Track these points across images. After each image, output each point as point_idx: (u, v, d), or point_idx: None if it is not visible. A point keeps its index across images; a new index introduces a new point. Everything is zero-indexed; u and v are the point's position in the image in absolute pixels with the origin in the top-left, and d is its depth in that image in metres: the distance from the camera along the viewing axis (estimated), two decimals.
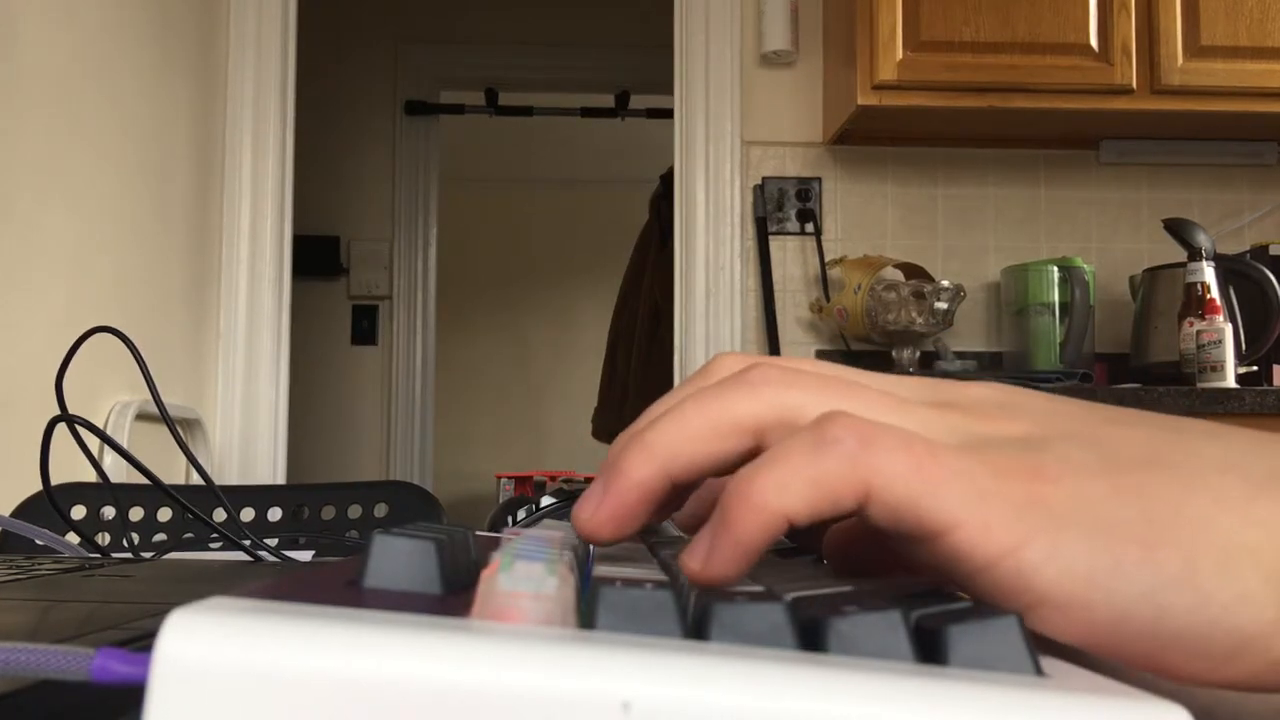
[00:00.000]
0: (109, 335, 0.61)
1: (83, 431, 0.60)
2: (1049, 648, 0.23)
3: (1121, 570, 0.21)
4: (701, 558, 0.22)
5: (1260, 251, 2.13)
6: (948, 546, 0.22)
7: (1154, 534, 0.21)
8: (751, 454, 0.25)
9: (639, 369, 3.27)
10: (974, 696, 0.16)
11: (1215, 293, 2.01)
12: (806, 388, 0.25)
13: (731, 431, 0.25)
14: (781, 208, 2.32)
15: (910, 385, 0.27)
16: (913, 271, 2.25)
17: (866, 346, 2.26)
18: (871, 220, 2.36)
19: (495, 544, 0.30)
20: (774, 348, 2.27)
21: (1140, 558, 0.21)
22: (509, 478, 3.58)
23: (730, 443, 0.25)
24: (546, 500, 0.85)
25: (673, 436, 0.25)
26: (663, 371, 2.97)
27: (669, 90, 2.40)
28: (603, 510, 0.25)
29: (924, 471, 0.22)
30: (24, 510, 1.01)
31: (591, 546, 0.36)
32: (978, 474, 0.22)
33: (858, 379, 0.27)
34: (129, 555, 0.61)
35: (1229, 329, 1.95)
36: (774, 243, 2.32)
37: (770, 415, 0.25)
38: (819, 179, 2.34)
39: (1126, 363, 2.24)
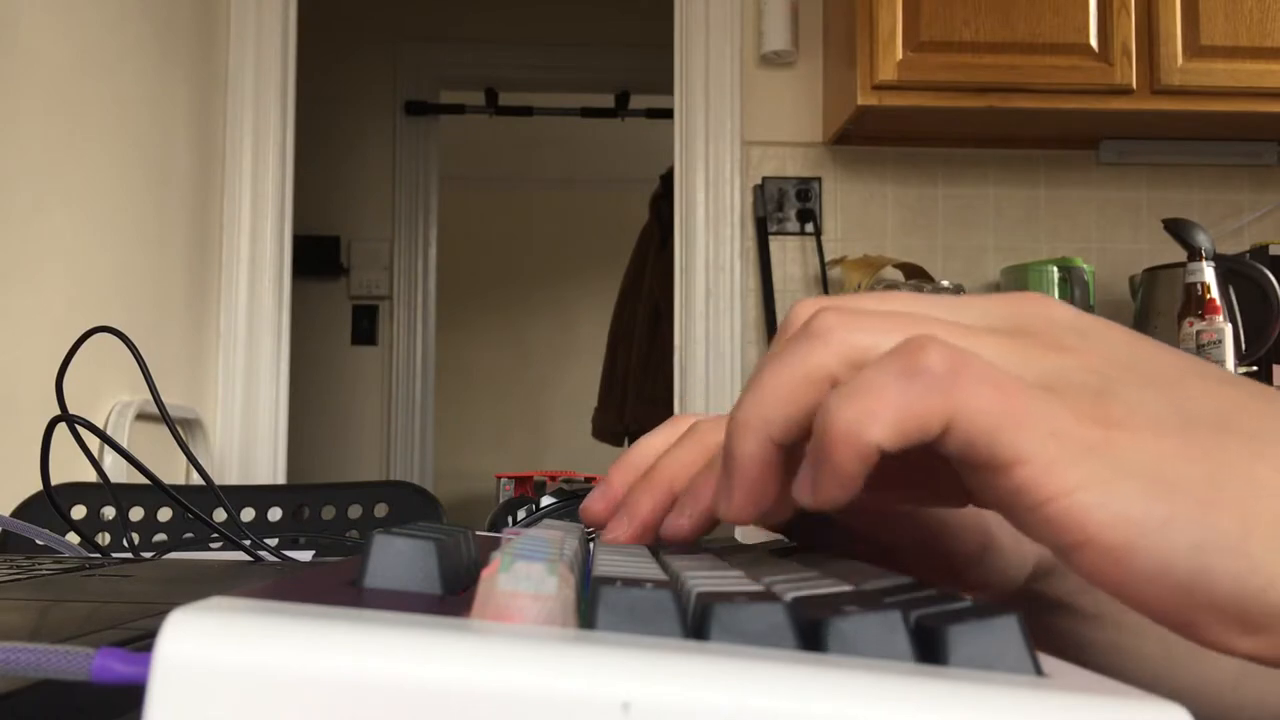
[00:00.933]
0: (109, 335, 0.61)
1: (83, 431, 0.60)
2: (1049, 647, 0.23)
3: (1174, 524, 0.21)
4: (808, 489, 0.24)
5: (1260, 251, 2.13)
6: (1010, 480, 0.22)
7: (1214, 495, 0.21)
8: None
9: (639, 369, 3.27)
10: (974, 696, 0.16)
11: (1215, 293, 2.01)
12: (872, 328, 0.25)
13: (807, 388, 0.25)
14: (781, 208, 2.32)
15: (984, 307, 0.27)
16: (913, 271, 2.25)
17: None
18: (871, 220, 2.36)
19: (495, 544, 0.30)
20: None
21: (1195, 515, 0.21)
22: (509, 478, 3.57)
23: (813, 394, 0.25)
24: (546, 500, 0.85)
25: (759, 406, 0.25)
26: (663, 372, 2.97)
27: (669, 90, 2.40)
28: (735, 495, 0.26)
29: (1007, 406, 0.22)
30: (24, 510, 1.01)
31: (591, 546, 0.36)
32: (1054, 414, 0.22)
33: (923, 310, 0.26)
34: (129, 555, 0.61)
35: (1229, 329, 1.95)
36: (774, 243, 2.32)
37: (840, 362, 0.25)
38: (819, 179, 2.34)
39: None
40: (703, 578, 0.24)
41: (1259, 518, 0.21)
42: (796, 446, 0.25)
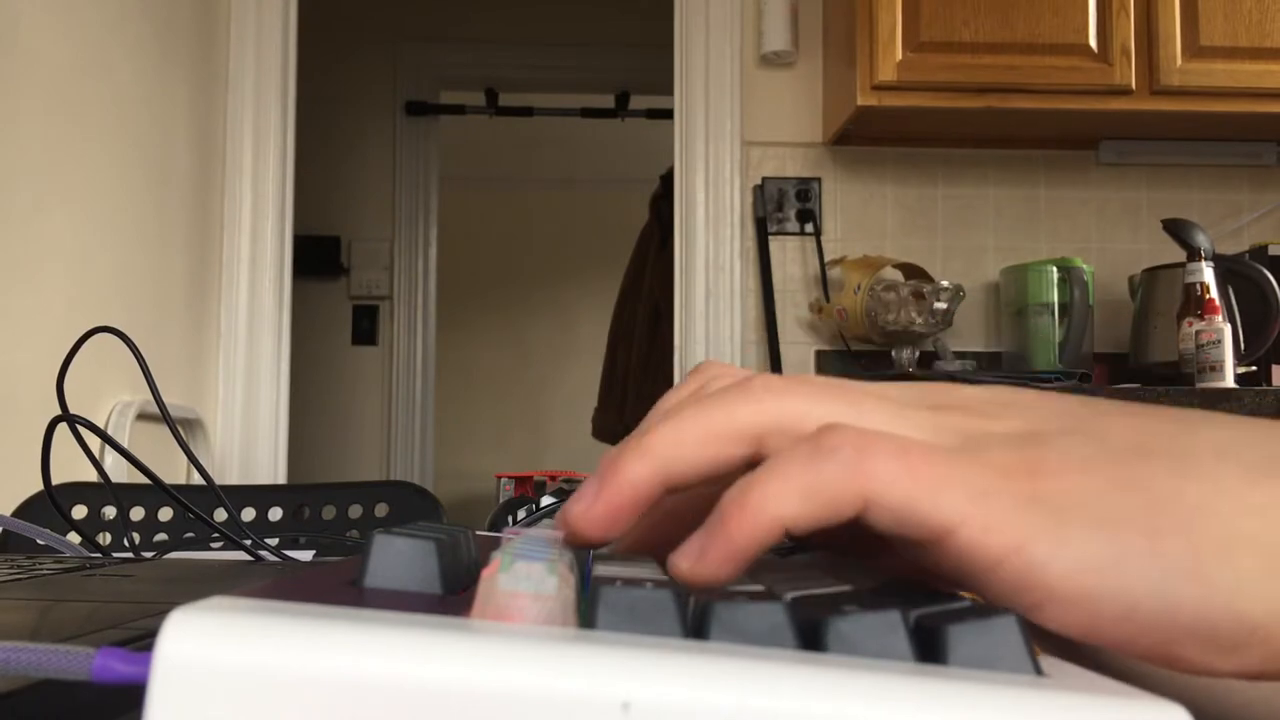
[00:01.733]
0: (110, 335, 0.61)
1: (84, 431, 0.60)
2: (1049, 648, 0.23)
3: (1128, 562, 0.21)
4: (693, 558, 0.23)
5: (1259, 252, 2.13)
6: (952, 548, 0.22)
7: (1155, 524, 0.21)
8: (749, 462, 0.25)
9: (639, 369, 3.27)
10: (974, 696, 0.16)
11: (1214, 293, 2.01)
12: (806, 395, 0.25)
13: (731, 438, 0.25)
14: (781, 208, 2.32)
15: (908, 390, 0.27)
16: (912, 272, 2.25)
17: (866, 347, 2.26)
18: (871, 220, 2.36)
19: (495, 544, 0.30)
20: (774, 348, 2.27)
21: (1145, 549, 0.21)
22: (509, 478, 3.57)
23: (729, 449, 0.25)
24: (546, 500, 0.85)
25: (672, 440, 0.25)
26: (663, 372, 2.97)
27: (669, 90, 2.40)
28: (595, 509, 0.25)
29: (920, 475, 0.22)
30: (25, 510, 1.01)
31: None
32: (976, 474, 0.22)
33: (857, 388, 0.27)
34: (130, 555, 0.61)
35: (1228, 329, 1.95)
36: (774, 243, 2.32)
37: (770, 422, 0.25)
38: (819, 179, 2.34)
39: (1126, 363, 2.24)
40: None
41: (1203, 539, 0.21)
42: (667, 498, 0.25)
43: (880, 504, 0.22)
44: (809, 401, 0.25)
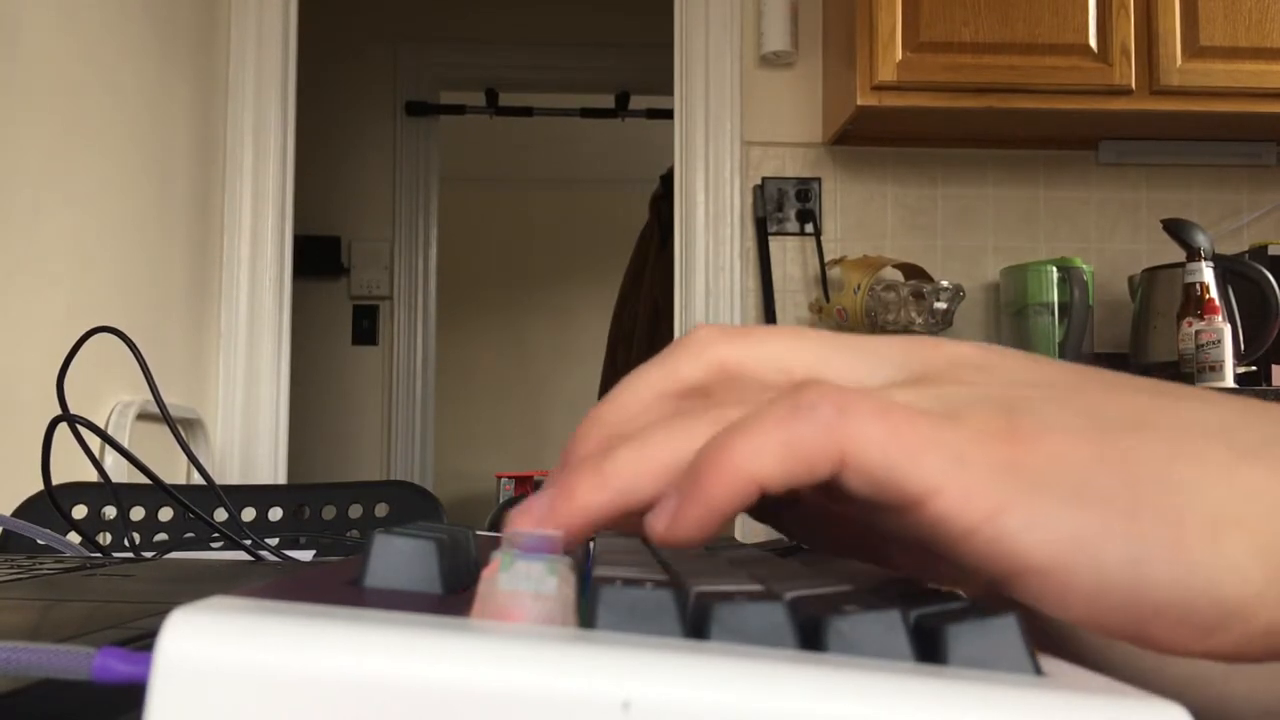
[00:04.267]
0: (110, 335, 0.61)
1: (84, 431, 0.60)
2: (1049, 648, 0.23)
3: (1105, 538, 0.21)
4: (667, 519, 0.22)
5: (1259, 252, 2.13)
6: (928, 514, 0.21)
7: (1138, 501, 0.21)
8: None
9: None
10: (973, 696, 0.16)
11: (1214, 293, 2.01)
12: (745, 343, 0.25)
13: (666, 398, 0.24)
14: (781, 208, 2.32)
15: (884, 353, 0.26)
16: (912, 272, 2.25)
17: None
18: (871, 220, 2.36)
19: (495, 544, 0.30)
20: None
21: (1124, 526, 0.21)
22: (509, 478, 3.57)
23: (670, 405, 0.24)
24: None
25: (631, 472, 0.23)
26: None
27: (669, 90, 2.40)
28: (545, 527, 0.24)
29: (901, 438, 0.21)
30: (25, 510, 1.01)
31: (592, 545, 0.36)
32: (955, 439, 0.22)
33: (826, 359, 0.26)
34: (130, 555, 0.61)
35: (1228, 329, 1.95)
36: (774, 243, 2.32)
37: (707, 372, 0.24)
38: (819, 179, 2.34)
39: (1125, 363, 2.24)
40: (703, 577, 0.24)
41: (1188, 519, 0.21)
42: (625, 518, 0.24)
43: (858, 466, 0.21)
44: (751, 347, 0.24)
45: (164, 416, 0.63)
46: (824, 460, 0.21)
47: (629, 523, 0.25)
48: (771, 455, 0.21)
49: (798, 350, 0.26)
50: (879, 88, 2.05)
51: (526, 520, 0.24)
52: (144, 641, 0.26)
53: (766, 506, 0.30)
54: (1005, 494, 0.21)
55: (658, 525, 0.22)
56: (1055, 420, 0.22)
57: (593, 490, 0.24)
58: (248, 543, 0.61)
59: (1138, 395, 0.23)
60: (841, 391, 0.22)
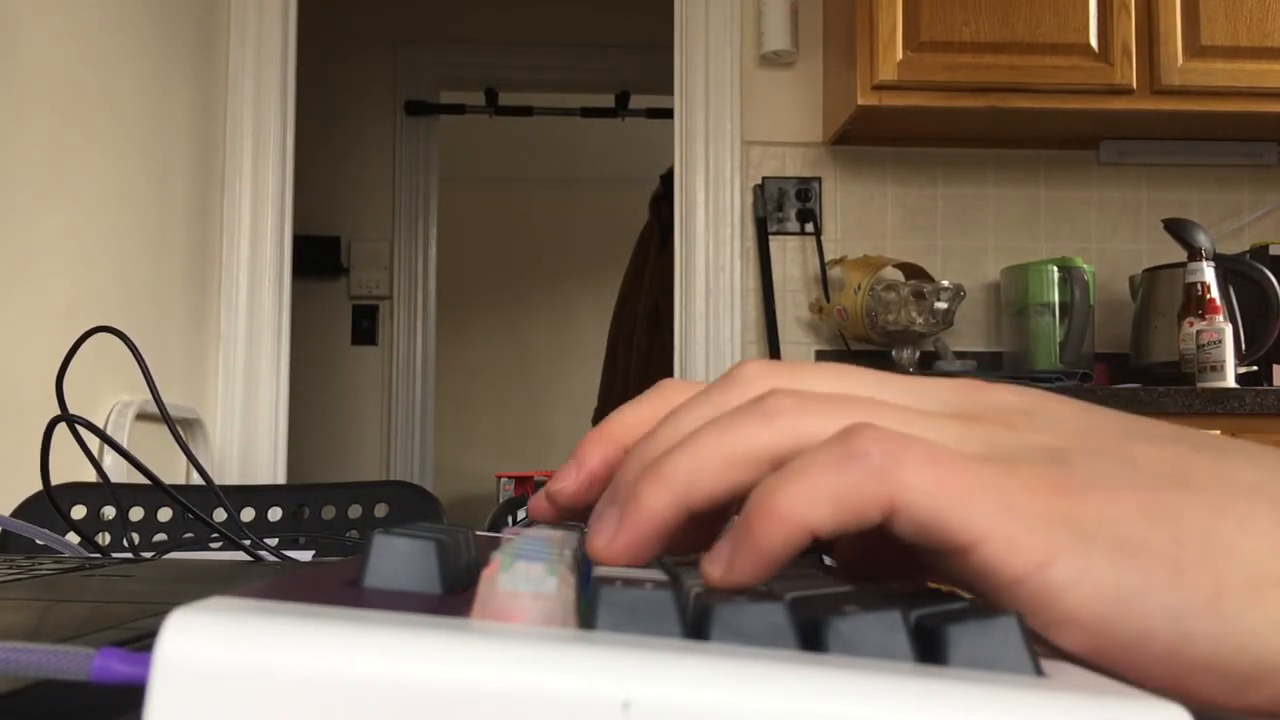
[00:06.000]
0: (109, 335, 0.61)
1: (83, 431, 0.60)
2: (1049, 648, 0.23)
3: (1148, 593, 0.21)
4: (723, 565, 0.22)
5: (1260, 251, 2.13)
6: (975, 561, 0.22)
7: (1182, 557, 0.21)
8: None
9: (639, 369, 3.27)
10: (974, 696, 0.16)
11: (1215, 293, 2.01)
12: (824, 413, 0.25)
13: (747, 463, 0.24)
14: (781, 208, 2.32)
15: (933, 393, 0.27)
16: (912, 271, 2.25)
17: (866, 346, 2.26)
18: (871, 220, 2.36)
19: (495, 544, 0.30)
20: (774, 348, 2.27)
21: (1167, 581, 0.21)
22: (509, 478, 3.57)
23: (747, 473, 0.24)
24: None
25: (688, 468, 0.24)
26: (663, 372, 2.97)
27: (669, 90, 2.40)
28: (619, 540, 0.24)
29: (950, 485, 0.22)
30: (24, 510, 1.01)
31: None
32: (1005, 487, 0.22)
33: (878, 394, 0.26)
34: (129, 555, 0.61)
35: (1229, 329, 1.95)
36: (774, 243, 2.32)
37: (786, 445, 0.24)
38: (819, 179, 2.34)
39: (1126, 363, 2.24)
40: (702, 578, 0.24)
41: (1229, 578, 0.21)
42: (690, 522, 0.25)
43: (908, 512, 0.22)
44: (825, 419, 0.24)
45: (163, 416, 0.63)
46: (874, 508, 0.22)
47: (691, 541, 0.25)
48: (823, 503, 0.22)
49: (849, 387, 0.27)
50: (879, 87, 2.05)
51: (600, 538, 0.25)
52: (143, 642, 0.25)
53: None
54: (1052, 546, 0.21)
55: (714, 571, 0.23)
56: (1103, 473, 0.23)
57: (656, 494, 0.24)
58: (247, 543, 0.61)
59: (1180, 447, 0.24)
60: (891, 437, 0.22)
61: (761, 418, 0.25)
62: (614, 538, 0.24)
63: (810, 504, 0.22)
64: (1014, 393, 0.26)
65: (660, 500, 0.24)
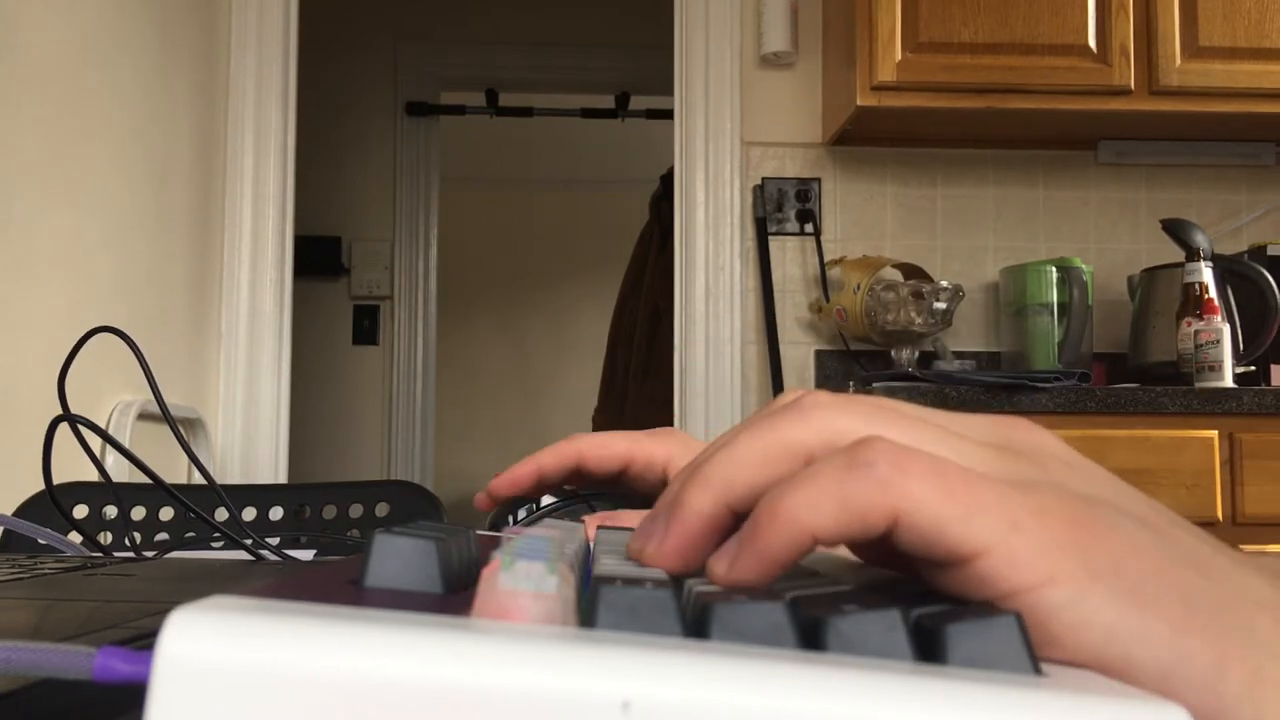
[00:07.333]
0: (111, 335, 0.61)
1: (85, 431, 0.60)
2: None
3: (1143, 642, 0.21)
4: (727, 563, 0.23)
5: (1258, 252, 2.13)
6: (973, 573, 0.22)
7: (1188, 621, 0.21)
8: None
9: (639, 369, 3.27)
10: (973, 696, 0.16)
11: (1213, 293, 2.01)
12: (856, 414, 0.25)
13: (781, 457, 0.25)
14: (781, 208, 2.32)
15: (976, 423, 0.27)
16: (912, 272, 2.25)
17: (866, 346, 2.26)
18: (871, 220, 2.36)
19: (495, 543, 0.30)
20: (774, 348, 2.27)
21: (1167, 638, 0.21)
22: None
23: (781, 468, 0.25)
24: (546, 500, 0.85)
25: (726, 466, 0.25)
26: (663, 372, 2.97)
27: (669, 90, 2.40)
28: (667, 544, 0.25)
29: (955, 497, 0.22)
30: (26, 510, 1.01)
31: (592, 544, 0.36)
32: (1015, 508, 0.22)
33: (915, 412, 0.26)
34: (131, 554, 0.61)
35: (1227, 329, 1.95)
36: (774, 243, 2.32)
37: (818, 440, 0.25)
38: (818, 179, 2.34)
39: (1125, 362, 2.24)
40: (702, 577, 0.24)
41: (1234, 662, 0.20)
42: (735, 520, 0.25)
43: (910, 523, 0.22)
44: (857, 420, 0.25)
45: (165, 416, 0.63)
46: (878, 517, 0.22)
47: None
48: (827, 510, 0.22)
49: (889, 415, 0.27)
50: (879, 88, 2.05)
51: (650, 544, 0.25)
52: (145, 641, 0.26)
53: None
54: (1053, 567, 0.21)
55: (718, 568, 0.23)
56: (1128, 529, 0.22)
57: (697, 495, 0.25)
58: (248, 542, 0.61)
59: (1207, 550, 0.23)
60: (899, 449, 0.22)
61: (797, 414, 0.25)
62: (663, 542, 0.25)
63: (814, 510, 0.22)
64: (1061, 444, 0.26)
65: (702, 501, 0.25)
